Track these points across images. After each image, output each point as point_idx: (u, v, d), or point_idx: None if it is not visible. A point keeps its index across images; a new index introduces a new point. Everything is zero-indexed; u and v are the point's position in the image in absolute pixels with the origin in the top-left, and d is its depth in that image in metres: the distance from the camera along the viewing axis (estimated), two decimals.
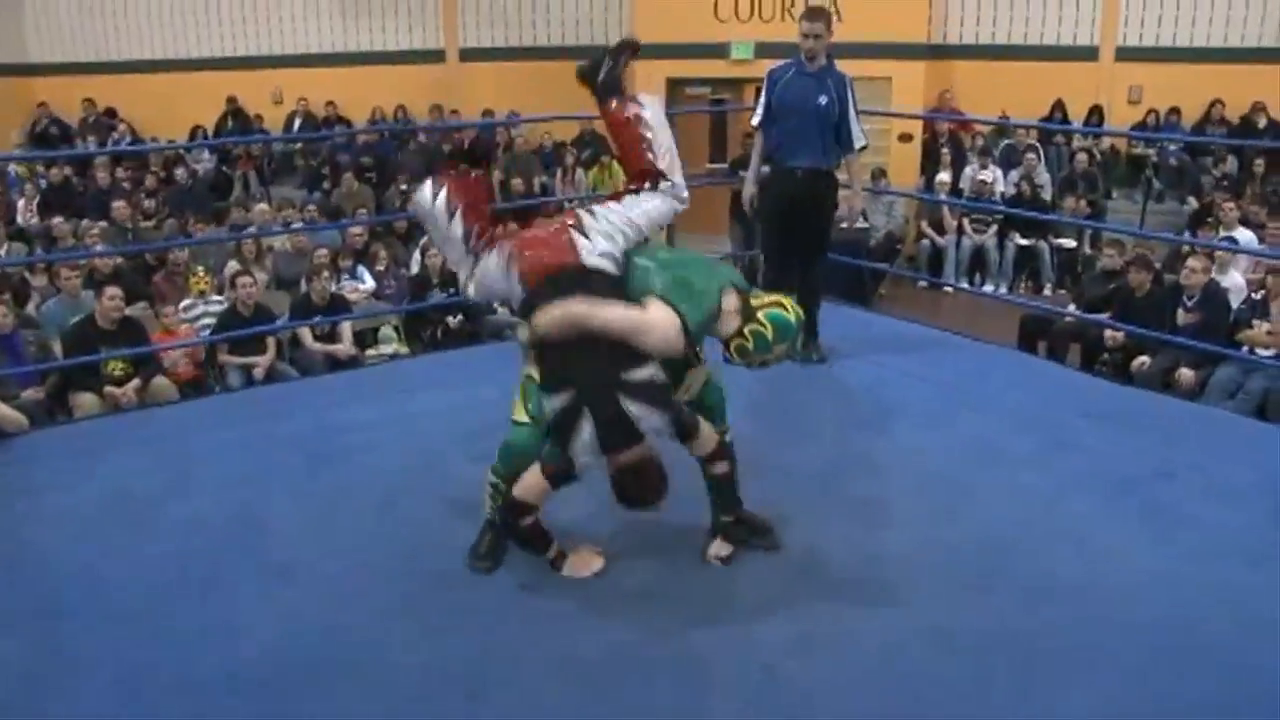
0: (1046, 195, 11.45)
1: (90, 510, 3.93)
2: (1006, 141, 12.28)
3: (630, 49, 3.64)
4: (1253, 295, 7.11)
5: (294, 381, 6.76)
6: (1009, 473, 4.17)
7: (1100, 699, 2.83)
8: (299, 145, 13.85)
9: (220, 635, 3.12)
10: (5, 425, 4.78)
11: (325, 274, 7.88)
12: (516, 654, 3.06)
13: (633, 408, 3.03)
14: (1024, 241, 11.08)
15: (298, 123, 14.19)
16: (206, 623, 3.18)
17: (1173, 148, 12.04)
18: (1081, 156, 11.89)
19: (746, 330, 3.27)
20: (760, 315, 3.27)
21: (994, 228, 11.13)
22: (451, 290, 8.45)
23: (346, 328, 7.86)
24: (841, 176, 5.64)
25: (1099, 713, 2.79)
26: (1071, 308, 7.89)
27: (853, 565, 3.48)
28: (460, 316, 8.36)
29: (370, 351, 8.19)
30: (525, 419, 3.37)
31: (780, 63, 5.55)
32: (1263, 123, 11.86)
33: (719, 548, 3.53)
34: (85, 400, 6.49)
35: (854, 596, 3.31)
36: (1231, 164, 11.61)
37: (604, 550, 3.50)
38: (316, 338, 7.73)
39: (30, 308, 8.11)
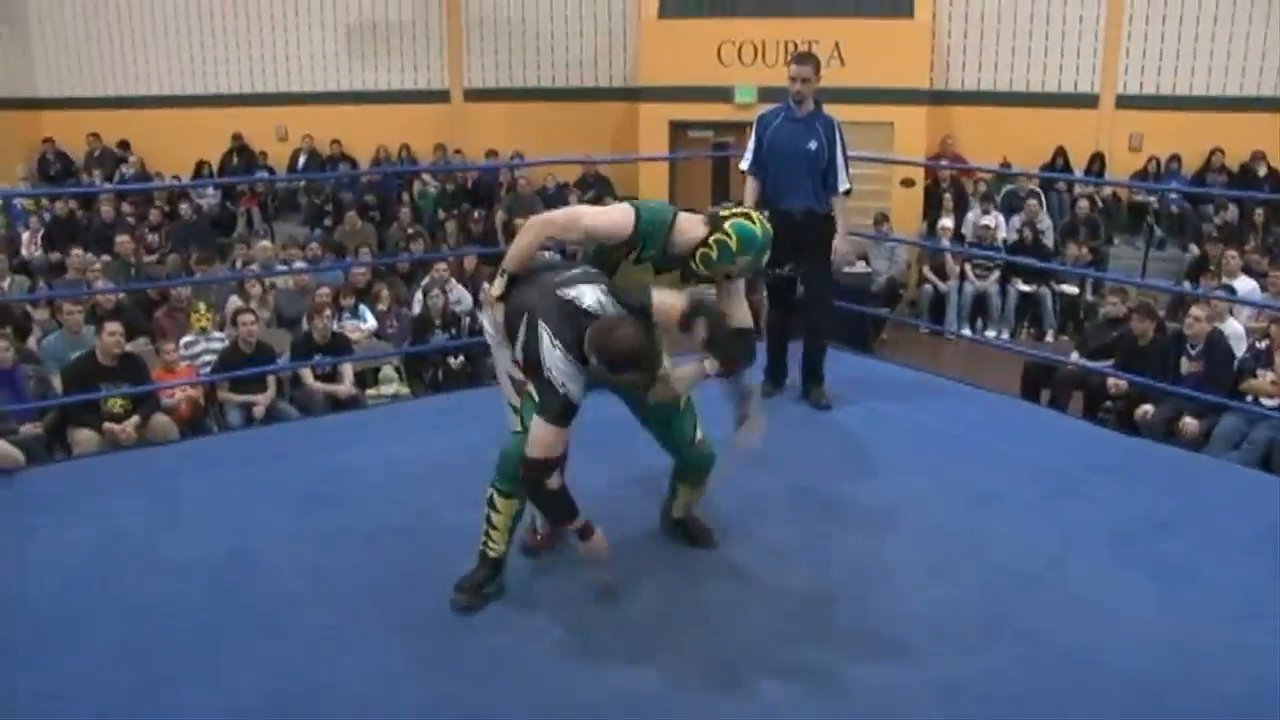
0: (1049, 241, 11.48)
1: (80, 553, 3.87)
2: (1008, 187, 12.33)
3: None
4: (1256, 344, 7.10)
5: (294, 422, 6.74)
6: (1011, 523, 4.13)
7: None
8: (303, 182, 13.90)
9: (205, 687, 3.06)
10: (1, 462, 4.75)
11: (327, 312, 7.88)
12: (513, 701, 3.02)
13: (572, 292, 3.23)
14: (1026, 288, 11.10)
15: (302, 159, 14.26)
16: (192, 673, 3.12)
17: (1174, 195, 12.08)
18: (1083, 203, 11.94)
19: (711, 240, 3.30)
20: (726, 225, 3.29)
21: (996, 273, 11.15)
22: (453, 331, 8.46)
23: (348, 367, 7.84)
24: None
25: None
26: (1074, 355, 7.87)
27: (852, 616, 3.44)
28: (461, 358, 8.35)
29: (371, 391, 8.18)
30: (520, 429, 3.37)
31: (769, 107, 5.57)
32: (1263, 171, 11.93)
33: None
34: (84, 436, 6.46)
35: (853, 647, 3.26)
36: (1232, 212, 11.65)
37: (609, 580, 3.51)
38: (317, 377, 7.72)
39: (31, 342, 8.10)
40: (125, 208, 12.62)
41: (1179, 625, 3.42)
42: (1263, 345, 6.97)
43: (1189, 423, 6.55)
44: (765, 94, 11.29)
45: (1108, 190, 12.59)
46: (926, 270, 11.41)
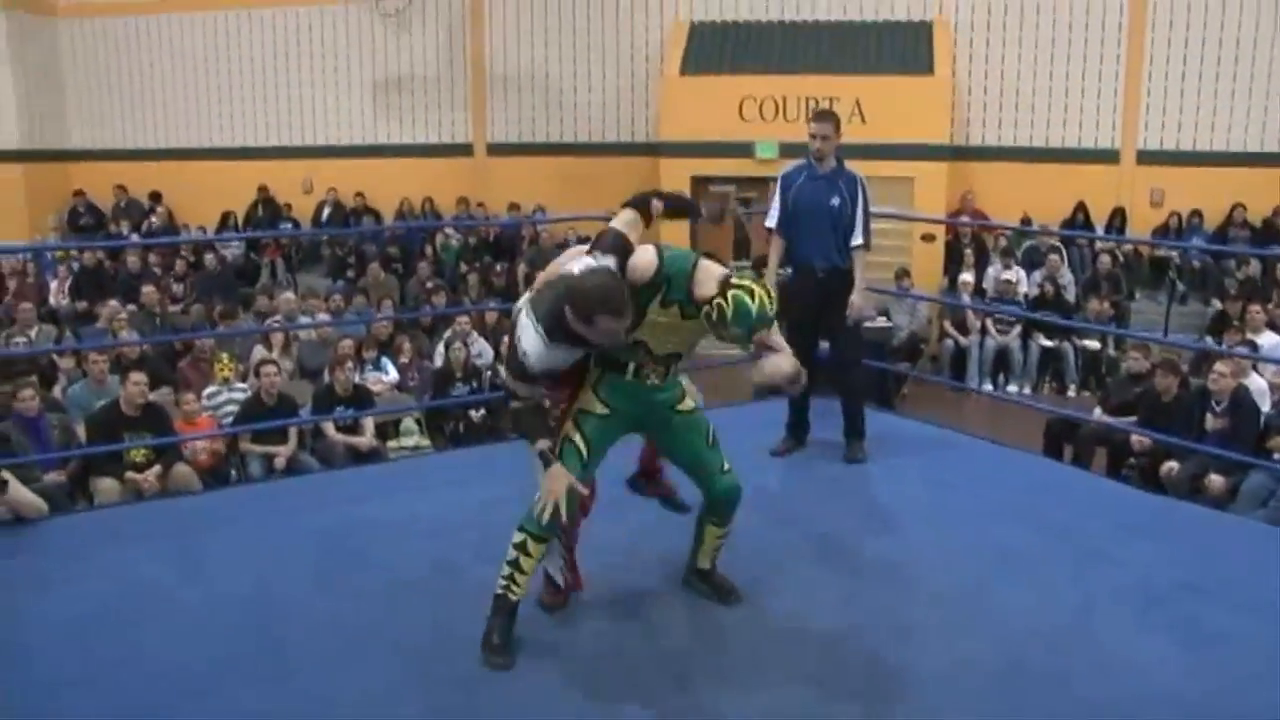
0: (1070, 296, 11.47)
1: (98, 606, 3.86)
2: (1029, 242, 12.33)
3: None
4: None
5: (315, 474, 6.74)
6: (1034, 584, 4.07)
7: None
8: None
9: None
10: (25, 511, 4.76)
11: (349, 364, 7.92)
12: None
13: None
14: (1048, 343, 11.06)
15: (327, 211, 14.43)
16: None
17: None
18: (1105, 258, 11.93)
19: (715, 302, 3.26)
20: (729, 293, 3.24)
21: (1018, 328, 11.12)
22: (474, 384, 8.48)
23: (369, 419, 7.86)
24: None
25: None
26: (1097, 411, 7.82)
27: (872, 677, 3.40)
28: (483, 411, 8.37)
29: (392, 443, 8.19)
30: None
31: (792, 165, 5.61)
32: None
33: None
34: (106, 485, 6.51)
35: (872, 708, 3.23)
36: (1254, 267, 11.61)
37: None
38: (339, 429, 7.74)
39: (56, 390, 8.17)
40: (152, 258, 12.78)
41: (1208, 688, 3.35)
42: None
43: (1215, 480, 6.47)
44: (786, 149, 11.38)
45: (1130, 244, 12.58)
46: (948, 325, 11.39)
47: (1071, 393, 10.84)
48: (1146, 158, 12.85)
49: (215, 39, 15.24)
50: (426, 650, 3.53)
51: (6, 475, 4.74)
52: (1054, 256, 11.57)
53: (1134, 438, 7.06)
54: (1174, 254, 12.19)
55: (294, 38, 15.03)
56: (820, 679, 3.39)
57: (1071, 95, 12.91)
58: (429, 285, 11.56)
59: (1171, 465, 6.77)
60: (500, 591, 3.45)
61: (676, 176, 12.42)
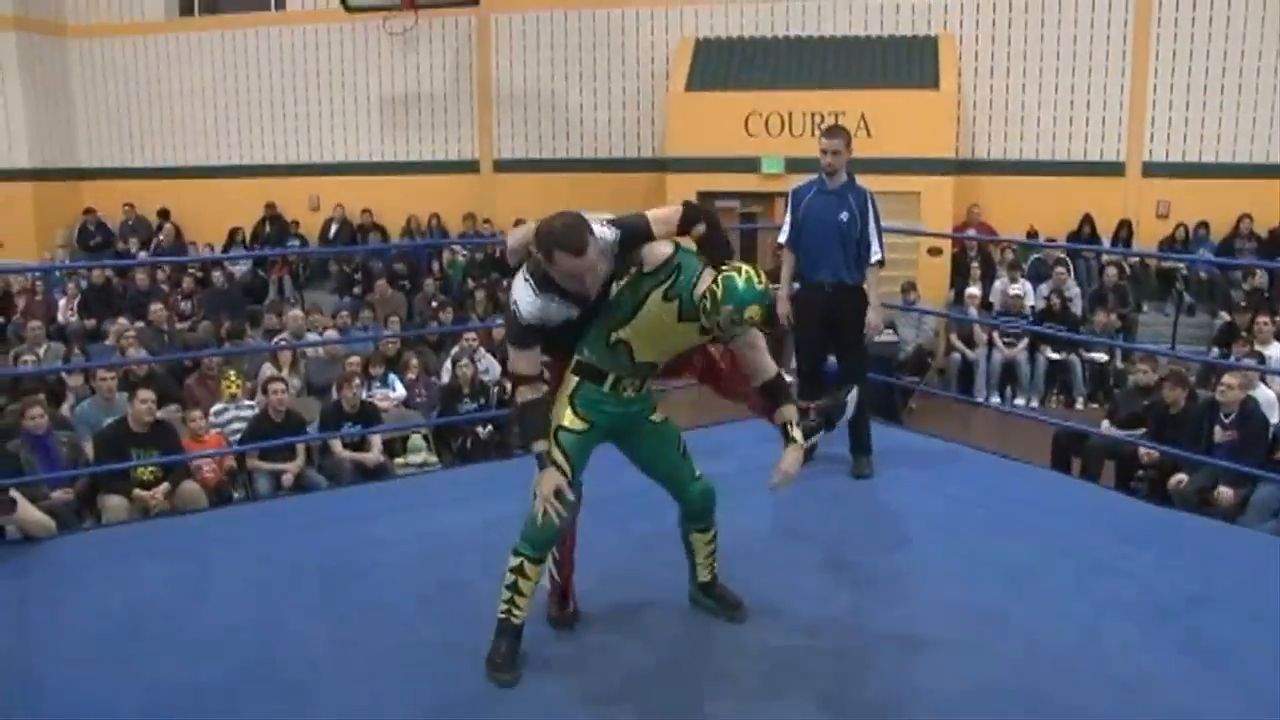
0: (1077, 309, 11.45)
1: (106, 625, 3.86)
2: (1036, 256, 12.32)
3: None
4: None
5: (322, 492, 6.75)
6: (1044, 599, 4.06)
7: None
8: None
9: None
10: (33, 530, 4.77)
11: (356, 382, 7.93)
12: None
13: None
14: (1055, 355, 11.04)
15: (334, 228, 14.48)
16: None
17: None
18: (1111, 270, 11.92)
19: (707, 289, 3.29)
20: (719, 278, 3.28)
21: (1025, 341, 11.10)
22: (482, 401, 8.49)
23: (376, 436, 7.87)
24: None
25: None
26: (1105, 424, 7.80)
27: (883, 696, 3.39)
28: (490, 427, 8.37)
29: (399, 460, 8.20)
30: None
31: (803, 181, 5.63)
32: None
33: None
34: (114, 503, 6.52)
35: None
36: (1262, 278, 11.59)
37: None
38: (346, 446, 7.75)
39: (65, 408, 8.19)
40: (159, 275, 12.82)
41: (1219, 703, 3.34)
42: None
43: (1224, 492, 6.45)
44: (792, 165, 11.40)
45: (1136, 257, 12.56)
46: (954, 338, 11.38)
47: (1079, 405, 10.81)
48: (1152, 170, 12.84)
49: (223, 58, 15.31)
50: (434, 669, 3.52)
51: (15, 494, 4.75)
52: (1060, 269, 11.55)
53: (1142, 450, 7.05)
54: (1181, 266, 12.16)
55: (301, 56, 15.10)
56: (829, 696, 3.38)
57: (1077, 108, 12.91)
58: (436, 302, 11.59)
59: (1180, 478, 6.75)
60: (502, 616, 3.46)
61: (683, 192, 12.39)
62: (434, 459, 8.37)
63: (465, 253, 13.52)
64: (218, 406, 7.99)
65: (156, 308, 10.87)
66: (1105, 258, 12.28)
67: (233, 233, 14.58)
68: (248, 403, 8.10)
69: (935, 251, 12.31)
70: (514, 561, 3.43)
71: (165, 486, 6.67)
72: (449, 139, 14.82)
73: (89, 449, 7.04)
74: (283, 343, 9.70)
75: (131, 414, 6.72)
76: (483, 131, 14.70)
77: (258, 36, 15.19)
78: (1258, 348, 8.80)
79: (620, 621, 3.83)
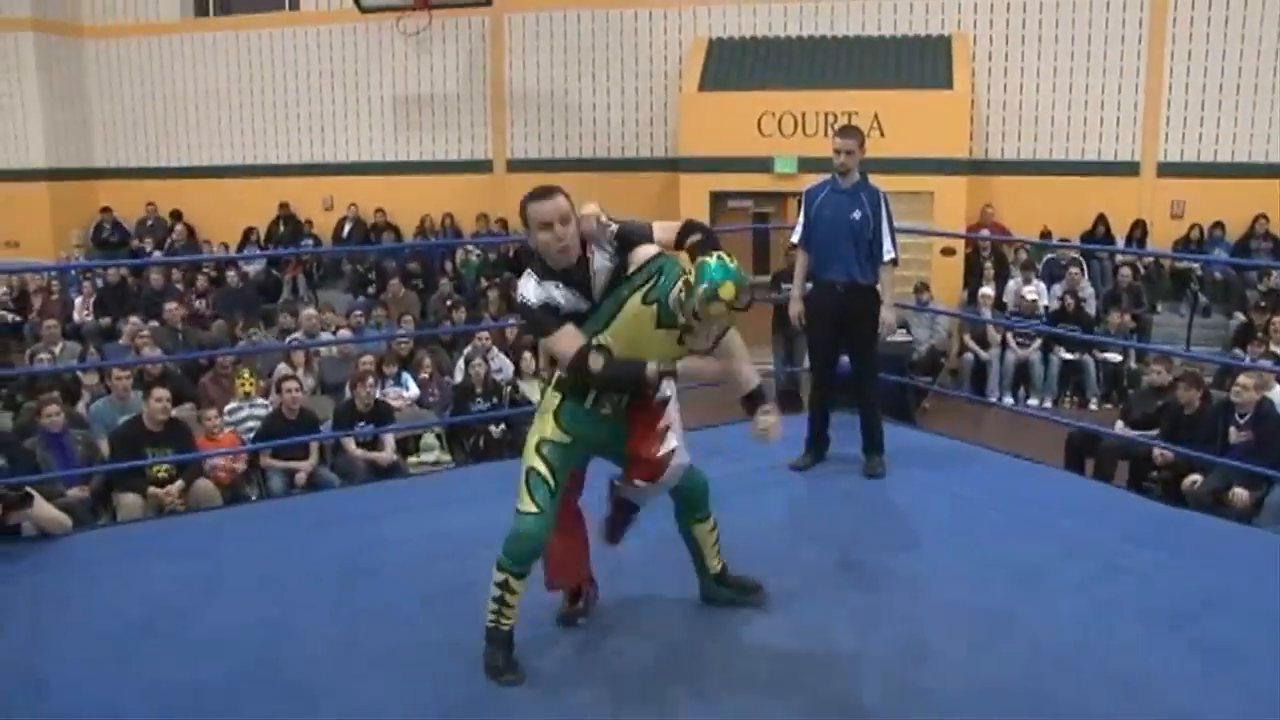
0: (1090, 309, 11.41)
1: (117, 623, 3.88)
2: (1050, 255, 12.29)
3: None
4: None
5: (335, 490, 6.77)
6: (1055, 600, 4.05)
7: None
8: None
9: None
10: (49, 527, 4.81)
11: (370, 381, 7.96)
12: None
13: None
14: (1069, 356, 11.00)
15: (347, 228, 14.52)
16: None
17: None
18: (1126, 270, 11.87)
19: (683, 279, 3.27)
20: (694, 265, 3.24)
21: (1038, 341, 11.07)
22: (494, 400, 8.50)
23: (389, 435, 7.89)
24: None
25: None
26: (1119, 425, 7.77)
27: (894, 697, 3.38)
28: (503, 426, 8.39)
29: (412, 459, 8.22)
30: (533, 508, 3.39)
31: (816, 181, 5.63)
32: None
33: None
34: (129, 500, 6.56)
35: None
36: (1277, 278, 11.52)
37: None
38: (359, 444, 7.77)
39: (80, 406, 8.24)
40: (174, 274, 12.88)
41: (1230, 707, 3.32)
42: None
43: (1239, 493, 6.42)
44: (805, 165, 11.39)
45: (1150, 257, 12.52)
46: (968, 338, 11.36)
47: (1093, 406, 10.77)
48: (1167, 170, 12.79)
49: (238, 59, 15.38)
50: (441, 669, 3.53)
51: (31, 491, 4.79)
52: (1074, 269, 11.52)
53: (1156, 451, 7.02)
54: (1196, 266, 12.12)
55: (315, 57, 15.15)
56: (837, 695, 3.38)
57: (1091, 108, 12.87)
58: (449, 301, 11.62)
59: (1194, 479, 6.72)
60: (490, 625, 3.46)
61: (696, 192, 12.46)
62: (447, 458, 8.39)
63: (478, 252, 13.55)
64: (232, 405, 8.03)
65: (171, 306, 10.93)
66: (1119, 258, 12.24)
67: (247, 232, 14.64)
68: (261, 401, 8.14)
69: (949, 251, 12.28)
70: (498, 576, 3.42)
71: (179, 484, 6.71)
72: (462, 139, 14.85)
73: (104, 447, 7.09)
74: (296, 342, 9.74)
75: (146, 412, 6.76)
76: (496, 131, 14.73)
77: (272, 37, 15.25)
78: (1273, 348, 8.76)
79: (629, 620, 3.84)
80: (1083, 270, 11.70)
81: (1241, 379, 6.85)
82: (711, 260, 3.21)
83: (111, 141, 15.98)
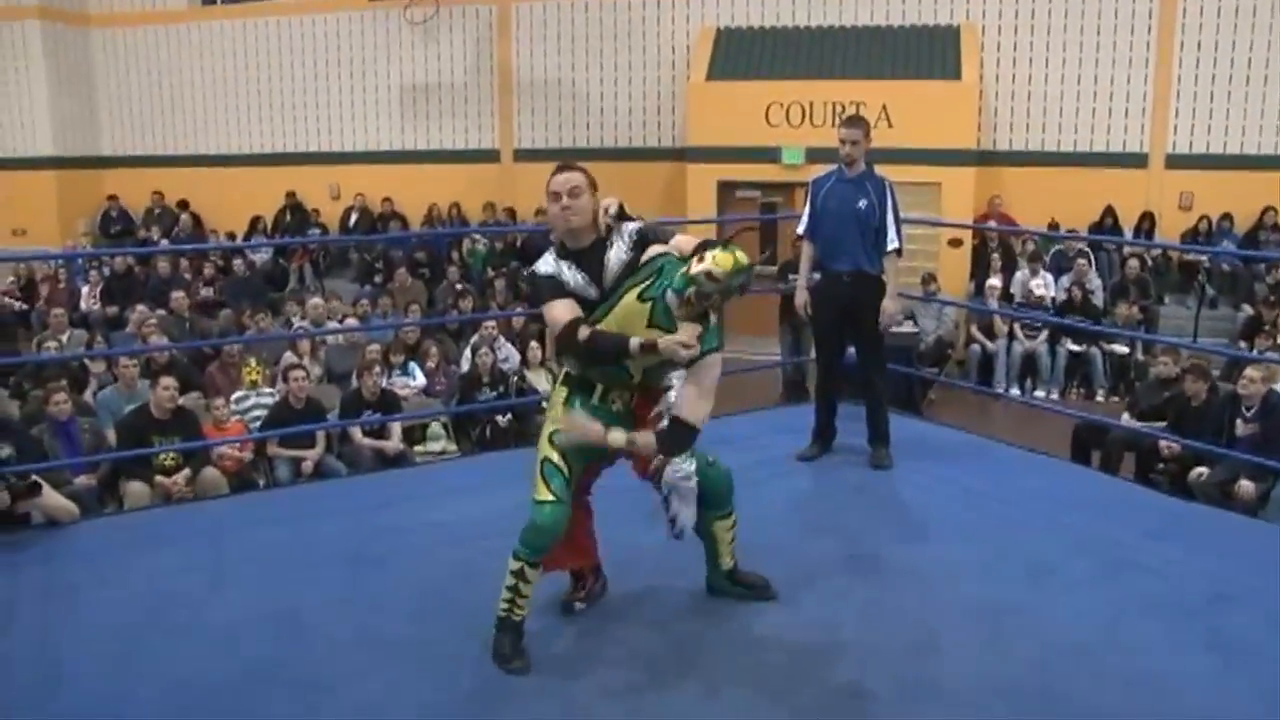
0: (1098, 300, 11.38)
1: (126, 614, 3.88)
2: (1057, 247, 12.26)
3: None
4: None
5: (341, 479, 6.78)
6: (1064, 594, 4.04)
7: None
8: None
9: None
10: (58, 515, 4.82)
11: (376, 369, 7.96)
12: None
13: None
14: (1075, 347, 10.99)
15: (354, 217, 14.52)
16: None
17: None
18: (1133, 262, 11.84)
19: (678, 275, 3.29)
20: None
21: (1045, 333, 11.05)
22: (501, 390, 8.51)
23: (396, 424, 7.90)
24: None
25: None
26: (1126, 417, 7.76)
27: (901, 690, 3.38)
28: (509, 416, 8.39)
29: (419, 448, 8.23)
30: (549, 496, 3.40)
31: (822, 171, 5.63)
32: None
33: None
34: (136, 489, 6.57)
35: None
36: None
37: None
38: (366, 433, 7.78)
39: (87, 395, 8.26)
40: (181, 263, 12.89)
41: (1242, 702, 3.32)
42: None
43: (1245, 486, 6.41)
44: (813, 155, 11.37)
45: (1158, 249, 12.48)
46: (974, 330, 11.34)
47: (1100, 398, 10.76)
48: (1175, 161, 12.73)
49: (244, 47, 15.37)
50: (452, 659, 3.54)
51: (38, 479, 4.81)
52: (1081, 261, 11.49)
53: (1163, 443, 7.01)
54: (1204, 258, 12.08)
55: (322, 45, 15.13)
56: (845, 689, 3.38)
57: (1100, 99, 12.81)
58: (457, 290, 11.62)
59: (1201, 471, 6.71)
60: (503, 614, 3.48)
61: (703, 182, 12.44)
62: (453, 447, 8.40)
63: (485, 242, 13.54)
64: (238, 394, 8.04)
65: (178, 295, 10.94)
66: (1127, 249, 12.21)
67: (254, 221, 14.65)
68: (268, 390, 8.15)
69: (956, 243, 12.25)
70: (514, 565, 3.44)
71: (186, 473, 6.72)
72: (469, 128, 14.83)
73: (111, 435, 7.10)
74: (303, 331, 9.75)
75: (154, 401, 6.78)
76: (503, 120, 14.71)
77: (279, 25, 15.23)
78: None
79: (637, 611, 3.85)
80: (1090, 262, 11.67)
81: (1249, 371, 6.83)
82: (717, 246, 3.26)
83: (118, 130, 15.99)
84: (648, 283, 3.37)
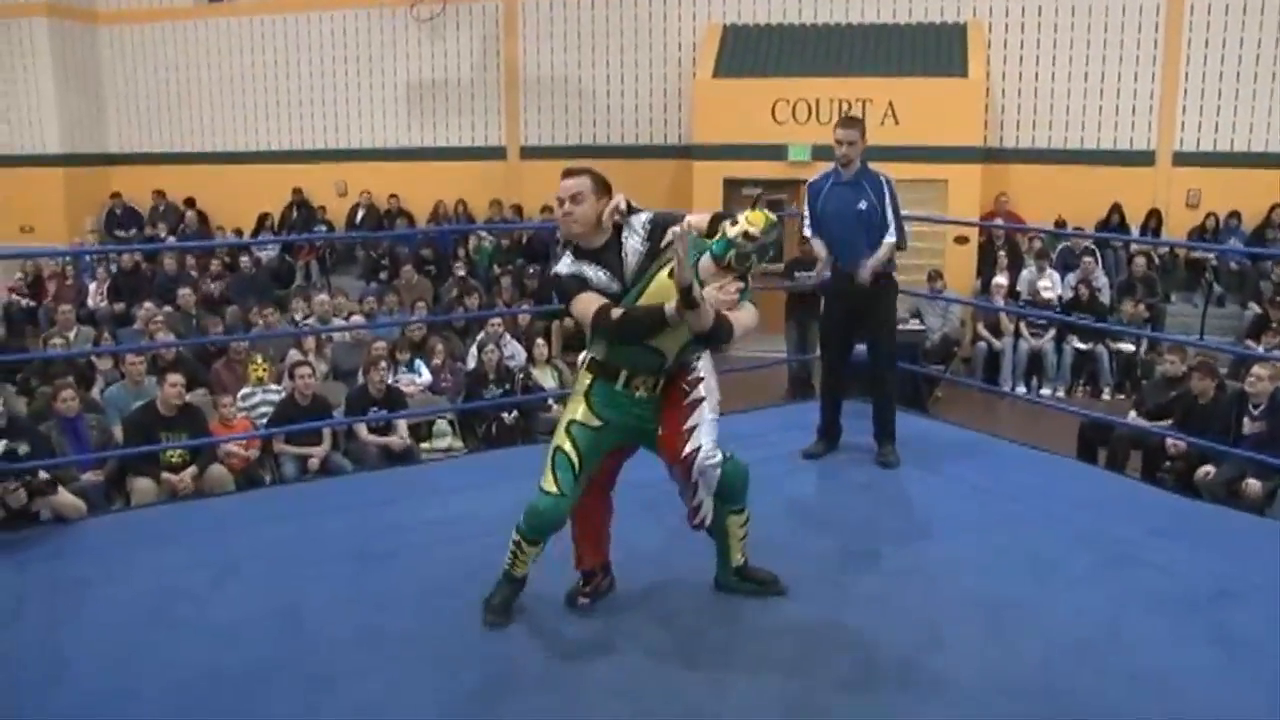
0: (1104, 298, 11.36)
1: (131, 611, 3.89)
2: (1064, 244, 12.24)
3: None
4: None
5: (347, 476, 6.79)
6: (1068, 591, 4.04)
7: None
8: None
9: None
10: (65, 512, 4.84)
11: (383, 365, 7.97)
12: None
13: None
14: (1082, 345, 10.96)
15: (361, 214, 14.53)
16: None
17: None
18: (1140, 260, 11.82)
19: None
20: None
21: (1051, 331, 11.03)
22: (507, 387, 8.52)
23: (402, 421, 7.91)
24: (897, 277, 5.66)
25: None
26: (1132, 415, 7.75)
27: (906, 686, 3.38)
28: (515, 413, 8.40)
29: (425, 445, 8.24)
30: (553, 489, 3.49)
31: (818, 174, 5.62)
32: None
33: None
34: (143, 486, 6.59)
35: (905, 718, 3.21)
36: None
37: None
38: (372, 430, 7.79)
39: (95, 391, 8.28)
40: (188, 260, 12.92)
41: (1246, 699, 3.31)
42: None
43: (1252, 484, 6.39)
44: (819, 152, 11.35)
45: (1165, 247, 12.46)
46: (981, 327, 11.32)
47: (1106, 396, 10.74)
48: (1183, 159, 12.71)
49: (251, 44, 15.39)
50: (456, 656, 3.54)
51: (48, 477, 4.83)
52: (1088, 259, 11.47)
53: (1169, 441, 7.00)
54: (1211, 256, 12.05)
55: (329, 43, 15.15)
56: (850, 685, 3.38)
57: (1106, 96, 12.78)
58: (463, 286, 11.63)
59: (1208, 469, 6.70)
60: (506, 568, 3.65)
61: (709, 179, 12.43)
62: (459, 444, 8.40)
63: (491, 239, 13.55)
64: (245, 391, 8.05)
65: (185, 292, 10.96)
66: (1134, 247, 12.18)
67: (261, 218, 14.67)
68: (274, 387, 8.16)
69: (962, 240, 12.24)
70: (515, 535, 3.60)
71: (193, 470, 6.73)
72: (476, 125, 14.84)
73: (118, 432, 7.12)
74: (309, 327, 9.76)
75: (161, 398, 6.79)
76: (510, 118, 14.71)
77: (285, 23, 15.25)
78: None
79: (644, 605, 3.85)
80: (1097, 259, 11.65)
81: (1256, 369, 6.82)
82: (738, 212, 3.40)
83: (125, 127, 16.02)
84: (674, 261, 3.38)
